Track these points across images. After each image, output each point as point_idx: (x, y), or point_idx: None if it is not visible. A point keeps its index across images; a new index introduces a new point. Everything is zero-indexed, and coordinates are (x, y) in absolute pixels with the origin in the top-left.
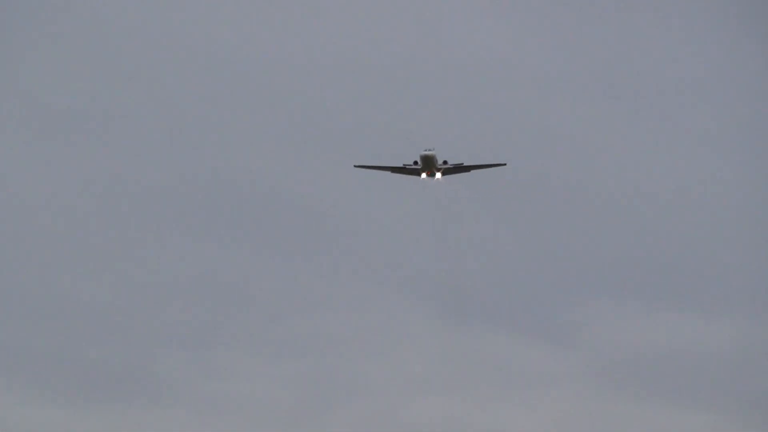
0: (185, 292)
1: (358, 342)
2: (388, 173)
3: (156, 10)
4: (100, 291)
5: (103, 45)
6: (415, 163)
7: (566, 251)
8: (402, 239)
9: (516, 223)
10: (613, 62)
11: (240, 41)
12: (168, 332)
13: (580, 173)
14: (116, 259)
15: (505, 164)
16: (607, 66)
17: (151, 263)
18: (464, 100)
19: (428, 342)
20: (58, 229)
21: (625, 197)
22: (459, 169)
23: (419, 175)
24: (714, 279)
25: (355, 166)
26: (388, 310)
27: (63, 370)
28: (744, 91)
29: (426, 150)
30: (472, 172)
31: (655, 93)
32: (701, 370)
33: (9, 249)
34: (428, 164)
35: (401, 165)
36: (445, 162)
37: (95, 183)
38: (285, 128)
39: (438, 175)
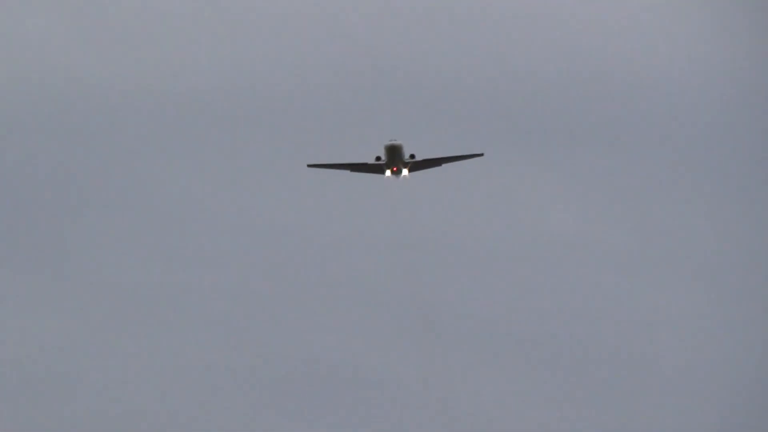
0: None
1: None
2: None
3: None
4: None
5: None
6: (378, 159)
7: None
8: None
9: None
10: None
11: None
12: None
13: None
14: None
15: (482, 154)
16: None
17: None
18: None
19: None
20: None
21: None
22: (429, 162)
23: (383, 172)
24: None
25: (308, 165)
26: None
27: None
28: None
29: (391, 140)
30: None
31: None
32: None
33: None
34: (394, 156)
35: (362, 162)
36: (412, 156)
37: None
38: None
39: (405, 171)
